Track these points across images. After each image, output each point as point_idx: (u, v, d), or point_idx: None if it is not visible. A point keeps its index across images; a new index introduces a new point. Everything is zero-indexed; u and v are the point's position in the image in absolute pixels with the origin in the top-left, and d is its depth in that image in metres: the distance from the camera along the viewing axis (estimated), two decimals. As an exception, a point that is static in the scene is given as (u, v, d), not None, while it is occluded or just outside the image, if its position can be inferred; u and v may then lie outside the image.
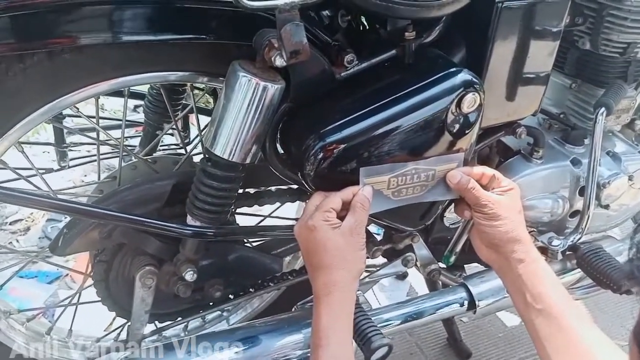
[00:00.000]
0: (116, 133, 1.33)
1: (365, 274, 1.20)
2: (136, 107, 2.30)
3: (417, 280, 1.75)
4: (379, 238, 1.18)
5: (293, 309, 1.12)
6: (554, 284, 0.90)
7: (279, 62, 0.78)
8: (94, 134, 1.14)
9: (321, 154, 0.85)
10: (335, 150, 0.85)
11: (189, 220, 0.93)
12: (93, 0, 0.77)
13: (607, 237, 1.38)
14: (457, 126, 0.90)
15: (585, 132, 1.26)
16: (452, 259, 1.23)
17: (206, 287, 1.05)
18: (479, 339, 1.63)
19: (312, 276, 0.86)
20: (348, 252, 0.83)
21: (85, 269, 1.10)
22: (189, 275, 0.96)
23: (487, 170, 0.94)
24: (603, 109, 1.16)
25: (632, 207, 1.35)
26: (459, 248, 1.22)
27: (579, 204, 1.24)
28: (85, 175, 2.13)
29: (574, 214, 1.26)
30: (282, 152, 0.93)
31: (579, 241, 1.24)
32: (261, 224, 1.20)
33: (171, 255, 0.98)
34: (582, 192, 1.21)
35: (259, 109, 0.83)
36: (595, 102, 1.19)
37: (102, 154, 1.17)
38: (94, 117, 1.09)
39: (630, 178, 1.25)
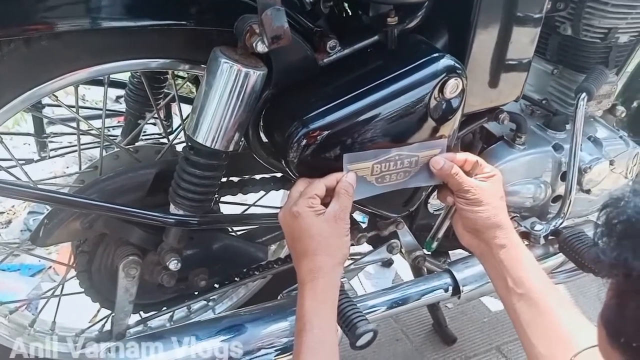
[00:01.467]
0: (97, 123, 1.32)
1: (351, 261, 1.20)
2: (118, 97, 2.28)
3: (402, 267, 1.76)
4: (363, 225, 1.19)
5: (279, 297, 1.12)
6: (535, 269, 0.91)
7: (261, 47, 0.77)
8: (74, 124, 1.13)
9: (304, 141, 0.84)
10: (318, 137, 0.84)
11: (172, 209, 0.92)
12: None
13: (588, 222, 1.39)
14: (440, 112, 0.90)
15: (566, 117, 1.27)
16: (434, 245, 1.24)
17: (191, 276, 1.04)
18: (464, 324, 1.64)
19: (296, 262, 0.86)
20: (332, 238, 0.83)
21: (68, 260, 1.08)
22: (173, 265, 0.95)
23: (470, 157, 0.94)
24: (584, 94, 1.17)
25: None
26: (440, 234, 1.23)
27: (560, 189, 1.25)
28: (68, 167, 2.11)
29: (556, 198, 1.27)
30: (266, 139, 0.93)
31: (561, 226, 1.25)
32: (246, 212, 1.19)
33: (155, 245, 0.97)
34: (564, 177, 1.23)
35: (241, 96, 0.82)
36: (576, 87, 1.20)
37: (83, 144, 1.16)
38: (74, 107, 1.07)
39: (611, 163, 1.26)
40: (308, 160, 0.85)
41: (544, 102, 1.31)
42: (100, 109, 1.39)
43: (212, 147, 0.85)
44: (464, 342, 1.57)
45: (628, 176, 1.34)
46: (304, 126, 0.84)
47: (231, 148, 0.87)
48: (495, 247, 0.92)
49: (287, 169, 0.90)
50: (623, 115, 1.39)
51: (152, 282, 1.01)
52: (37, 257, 1.36)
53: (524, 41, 1.02)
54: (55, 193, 0.88)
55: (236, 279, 1.10)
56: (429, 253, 1.30)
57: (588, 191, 1.27)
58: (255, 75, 0.82)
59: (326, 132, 0.84)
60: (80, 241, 0.98)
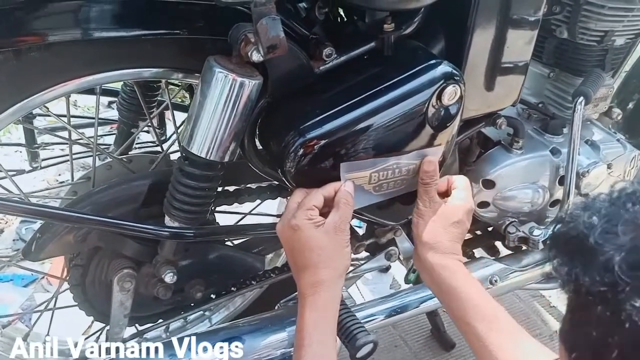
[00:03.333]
0: (89, 131, 1.30)
1: (350, 268, 1.19)
2: (110, 103, 2.25)
3: (399, 272, 1.75)
4: (361, 232, 1.17)
5: (276, 307, 1.10)
6: (477, 302, 0.86)
7: (256, 57, 0.76)
8: (65, 133, 1.11)
9: (301, 151, 0.83)
10: (315, 146, 0.83)
11: (167, 221, 0.91)
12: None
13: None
14: (438, 119, 0.89)
15: (564, 121, 1.26)
16: (412, 277, 1.20)
17: (187, 288, 1.03)
18: (462, 329, 1.63)
19: (297, 276, 0.84)
20: (333, 251, 0.82)
21: (61, 273, 1.07)
22: (169, 277, 0.94)
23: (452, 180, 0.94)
24: (582, 98, 1.16)
25: (610, 195, 1.36)
26: None
27: (558, 193, 1.24)
28: (60, 175, 2.09)
29: (554, 203, 1.27)
30: (261, 148, 0.91)
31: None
32: (242, 221, 1.18)
33: (150, 257, 0.96)
34: (561, 181, 1.22)
35: (237, 106, 0.81)
36: (573, 91, 1.19)
37: (75, 154, 1.14)
38: (65, 116, 1.05)
39: (609, 166, 1.26)
40: (305, 170, 0.84)
41: (540, 105, 1.30)
42: (92, 118, 1.37)
43: (208, 158, 0.84)
44: (463, 347, 1.56)
45: (625, 179, 1.33)
46: (300, 136, 0.83)
47: (227, 159, 0.85)
48: (430, 265, 0.89)
49: (283, 179, 0.88)
50: (619, 117, 1.39)
51: (147, 294, 1.00)
52: (29, 270, 1.33)
53: (521, 45, 1.01)
54: (47, 207, 0.86)
55: (233, 289, 1.09)
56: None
57: (586, 195, 1.26)
58: (251, 84, 0.80)
59: (323, 142, 0.83)
60: (73, 254, 0.96)
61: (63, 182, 2.03)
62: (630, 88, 1.59)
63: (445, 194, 0.93)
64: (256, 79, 0.81)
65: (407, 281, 1.21)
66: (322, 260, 0.81)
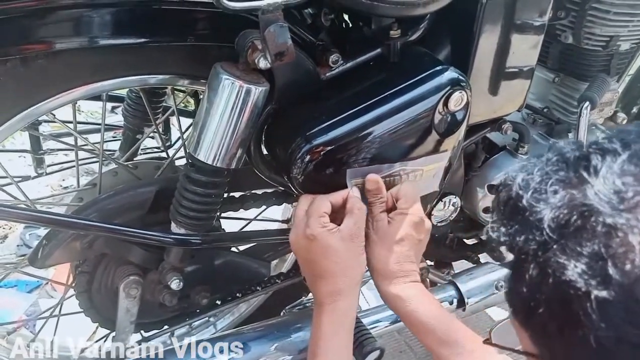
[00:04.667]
0: (93, 137, 1.30)
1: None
2: (114, 108, 2.26)
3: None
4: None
5: (282, 314, 1.10)
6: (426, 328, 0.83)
7: (263, 64, 0.76)
8: (71, 139, 1.11)
9: (308, 157, 0.83)
10: (322, 153, 0.83)
11: (173, 227, 0.91)
12: (67, 4, 0.74)
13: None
14: (444, 125, 0.89)
15: (569, 126, 1.26)
16: None
17: (192, 294, 1.03)
18: (467, 334, 1.62)
19: (313, 285, 0.83)
20: (350, 258, 0.81)
21: (66, 280, 1.06)
22: (175, 284, 0.94)
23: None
24: (587, 103, 1.16)
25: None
26: None
27: (563, 198, 1.24)
28: (64, 180, 2.09)
29: (559, 208, 1.26)
30: (268, 155, 0.91)
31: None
32: (247, 226, 1.18)
33: (156, 264, 0.96)
34: (567, 186, 1.21)
35: (244, 113, 0.81)
36: (579, 96, 1.19)
37: (80, 159, 1.14)
38: (71, 122, 1.05)
39: (614, 171, 1.25)
40: (312, 176, 0.84)
41: (545, 110, 1.30)
42: (97, 124, 1.37)
43: (214, 164, 0.84)
44: (468, 352, 1.55)
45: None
46: (307, 142, 0.83)
47: (233, 165, 0.85)
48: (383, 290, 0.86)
49: (290, 185, 0.88)
50: (624, 122, 1.38)
51: (153, 301, 0.99)
52: (34, 276, 1.33)
53: (526, 50, 1.01)
54: (53, 215, 0.85)
55: (238, 295, 1.09)
56: (432, 264, 1.29)
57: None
58: (258, 91, 0.80)
59: (330, 148, 0.83)
60: (79, 261, 0.96)
61: (67, 187, 2.04)
62: (635, 92, 1.59)
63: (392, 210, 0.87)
64: (263, 85, 0.81)
65: None
66: (340, 268, 0.80)
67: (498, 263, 1.28)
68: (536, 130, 1.26)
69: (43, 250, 0.90)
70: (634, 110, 1.61)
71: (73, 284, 1.00)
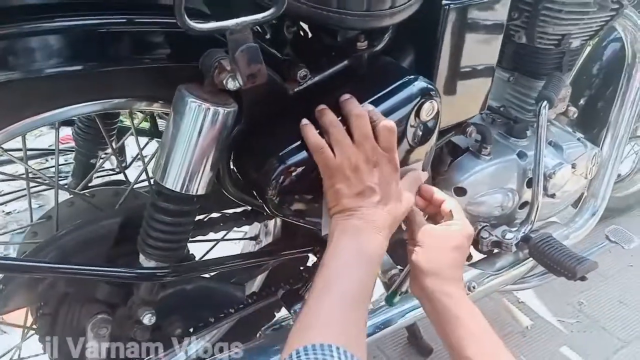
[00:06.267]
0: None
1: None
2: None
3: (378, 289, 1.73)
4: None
5: (258, 335, 1.07)
6: (475, 338, 0.82)
7: (232, 84, 0.72)
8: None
9: (282, 177, 0.80)
10: (297, 171, 0.80)
11: (142, 259, 0.85)
12: (11, 32, 0.67)
13: (552, 223, 1.41)
14: (417, 135, 0.88)
15: (526, 124, 1.28)
16: (397, 299, 1.15)
17: (165, 325, 0.97)
18: (438, 333, 1.63)
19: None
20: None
21: (24, 321, 0.99)
22: (147, 319, 0.88)
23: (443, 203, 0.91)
24: (545, 102, 1.19)
25: (573, 193, 1.39)
26: (404, 289, 1.13)
27: (526, 195, 1.26)
28: (6, 205, 1.96)
29: (522, 205, 1.28)
30: (238, 176, 0.88)
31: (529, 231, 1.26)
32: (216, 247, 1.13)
33: (124, 298, 0.90)
34: (529, 183, 1.24)
35: (212, 136, 0.77)
36: (537, 95, 1.21)
37: (31, 187, 1.05)
38: (21, 149, 0.97)
39: (573, 166, 1.29)
40: (289, 197, 0.81)
41: (502, 109, 1.31)
42: (48, 149, 1.28)
43: (184, 192, 0.79)
44: (441, 351, 1.56)
45: (588, 176, 1.37)
46: (281, 162, 0.80)
47: (204, 191, 0.81)
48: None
49: (263, 205, 0.85)
50: (575, 115, 1.42)
51: (123, 336, 0.94)
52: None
53: (488, 53, 1.02)
54: (9, 260, 0.79)
55: (211, 320, 1.04)
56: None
57: (553, 195, 1.28)
58: (226, 113, 0.76)
59: (305, 166, 0.80)
60: (40, 303, 0.89)
61: (10, 212, 1.92)
62: (580, 85, 1.64)
63: (434, 217, 0.91)
64: (231, 107, 0.77)
65: (390, 304, 1.15)
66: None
67: (467, 264, 1.29)
68: (496, 130, 1.27)
69: (1, 296, 0.83)
70: (581, 102, 1.67)
71: (33, 326, 0.93)
